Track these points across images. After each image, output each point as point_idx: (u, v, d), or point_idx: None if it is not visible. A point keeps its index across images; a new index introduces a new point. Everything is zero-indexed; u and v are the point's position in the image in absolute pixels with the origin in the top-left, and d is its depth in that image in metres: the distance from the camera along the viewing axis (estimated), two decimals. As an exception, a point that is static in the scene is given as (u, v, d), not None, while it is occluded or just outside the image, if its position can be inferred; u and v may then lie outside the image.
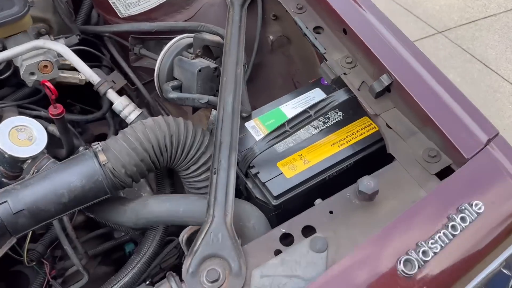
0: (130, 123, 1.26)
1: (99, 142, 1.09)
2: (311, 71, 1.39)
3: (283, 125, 1.06)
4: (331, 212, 0.90)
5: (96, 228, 1.46)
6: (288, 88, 1.44)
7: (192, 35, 1.23)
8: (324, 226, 0.87)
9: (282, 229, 0.88)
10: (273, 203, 1.02)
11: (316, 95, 1.22)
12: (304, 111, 1.06)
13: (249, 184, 1.08)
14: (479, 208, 0.83)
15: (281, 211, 1.04)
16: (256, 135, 1.14)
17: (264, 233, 0.96)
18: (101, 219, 1.16)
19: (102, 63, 1.51)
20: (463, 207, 0.83)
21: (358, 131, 1.11)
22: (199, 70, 1.14)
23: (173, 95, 1.11)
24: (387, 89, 1.04)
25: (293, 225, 0.88)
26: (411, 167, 0.95)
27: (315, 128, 1.13)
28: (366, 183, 0.88)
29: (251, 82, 1.40)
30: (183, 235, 1.23)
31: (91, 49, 1.38)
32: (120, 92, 1.41)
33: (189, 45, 1.21)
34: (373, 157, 1.11)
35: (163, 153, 1.09)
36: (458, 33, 3.53)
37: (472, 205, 0.83)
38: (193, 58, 1.17)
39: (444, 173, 0.94)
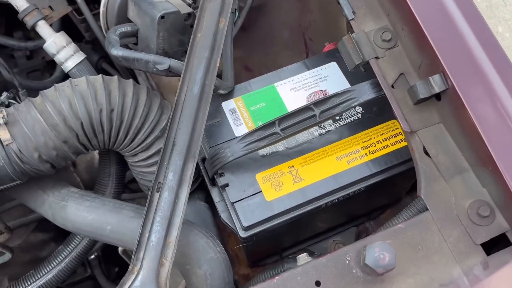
0: (67, 72, 0.93)
1: (4, 106, 0.78)
2: (332, 27, 1.02)
3: (272, 123, 0.73)
4: (317, 284, 0.61)
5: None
6: (295, 46, 1.07)
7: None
8: (303, 306, 0.60)
9: (240, 300, 0.60)
10: (241, 234, 0.74)
11: (330, 73, 0.87)
12: (307, 108, 0.73)
13: (215, 197, 0.79)
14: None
15: (254, 241, 0.77)
16: (235, 123, 0.82)
17: (219, 286, 0.69)
18: (19, 200, 0.88)
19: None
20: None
21: (380, 142, 0.79)
22: (162, 17, 0.78)
23: (117, 51, 0.76)
24: (437, 95, 0.69)
25: (258, 296, 0.61)
26: (447, 226, 0.65)
27: (319, 127, 0.81)
28: (378, 255, 0.58)
29: (245, 31, 1.03)
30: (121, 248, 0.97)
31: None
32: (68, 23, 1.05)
33: (158, -28, 0.83)
34: (396, 181, 0.81)
35: (97, 134, 0.78)
36: (520, -27, 2.97)
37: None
38: (158, -5, 0.80)
39: (494, 243, 0.64)
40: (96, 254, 1.27)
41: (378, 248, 0.59)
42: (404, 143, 0.79)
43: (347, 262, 0.63)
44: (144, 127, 0.80)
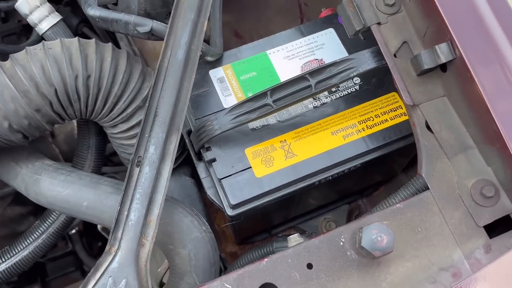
0: (42, 35, 0.86)
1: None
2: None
3: (264, 94, 0.68)
4: (309, 266, 0.58)
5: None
6: (289, 12, 1.01)
7: None
8: (294, 290, 0.56)
9: (226, 283, 0.57)
10: (228, 213, 0.69)
11: (327, 41, 0.81)
12: (301, 78, 0.68)
13: (201, 172, 0.74)
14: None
15: (242, 219, 0.72)
16: (224, 94, 0.76)
17: (203, 268, 0.65)
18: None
19: None
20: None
21: (379, 116, 0.74)
22: (144, -26, 0.71)
23: (94, 11, 0.69)
24: (442, 66, 0.64)
25: (245, 279, 0.57)
26: (449, 207, 0.61)
27: (314, 99, 0.75)
28: (375, 237, 0.54)
29: (235, -6, 0.96)
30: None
31: None
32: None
33: None
34: (394, 157, 0.77)
35: (73, 103, 0.72)
36: None
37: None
38: None
39: (496, 226, 0.61)
40: (77, 228, 1.22)
41: (375, 230, 0.55)
42: (404, 118, 0.74)
43: (341, 244, 0.59)
44: (124, 95, 0.74)
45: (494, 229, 0.61)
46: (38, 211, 1.12)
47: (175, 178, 0.87)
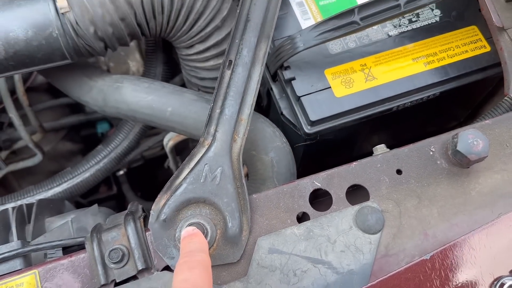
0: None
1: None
2: None
3: (350, 11, 0.69)
4: (399, 172, 0.59)
5: (61, 94, 1.15)
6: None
7: None
8: (384, 192, 0.58)
9: (316, 181, 0.58)
10: (306, 130, 0.71)
11: (405, -26, 0.82)
12: (390, -3, 0.69)
13: (275, 93, 0.76)
14: None
15: (315, 142, 0.74)
16: (303, 17, 0.78)
17: (285, 176, 0.67)
18: (60, 89, 0.85)
19: None
20: None
21: (459, 47, 0.76)
22: None
23: None
24: (537, -11, 0.66)
25: (335, 179, 0.59)
26: (538, 127, 0.62)
27: (394, 27, 0.77)
28: (471, 141, 0.56)
29: None
30: (167, 141, 0.94)
31: None
32: None
33: None
34: (471, 90, 0.78)
35: (156, 15, 0.74)
36: None
37: None
38: None
39: None
40: (125, 170, 1.25)
41: (471, 135, 0.56)
42: (484, 50, 0.75)
43: (431, 153, 0.60)
44: (205, 13, 0.76)
45: None
46: (87, 150, 1.16)
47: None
